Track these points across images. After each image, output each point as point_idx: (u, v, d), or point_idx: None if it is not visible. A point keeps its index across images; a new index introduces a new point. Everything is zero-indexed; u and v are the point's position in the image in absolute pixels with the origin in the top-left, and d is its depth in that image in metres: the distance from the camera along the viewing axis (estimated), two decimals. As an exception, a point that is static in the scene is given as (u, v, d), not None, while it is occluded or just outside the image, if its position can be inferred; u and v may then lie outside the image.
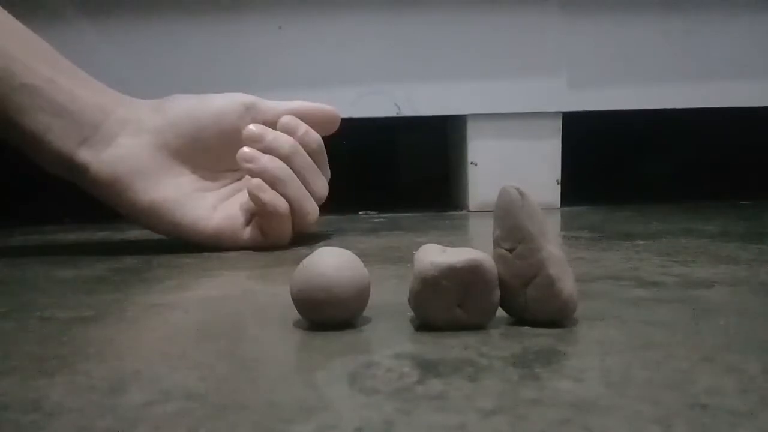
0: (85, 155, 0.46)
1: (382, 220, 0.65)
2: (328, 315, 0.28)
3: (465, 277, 0.27)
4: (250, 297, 0.35)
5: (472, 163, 0.69)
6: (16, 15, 0.46)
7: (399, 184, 0.88)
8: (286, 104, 0.50)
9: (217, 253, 0.47)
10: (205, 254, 0.47)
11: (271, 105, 0.50)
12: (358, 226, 0.61)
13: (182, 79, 0.65)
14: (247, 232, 0.49)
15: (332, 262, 0.28)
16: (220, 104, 0.48)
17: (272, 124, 0.49)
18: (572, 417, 0.19)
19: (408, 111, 0.68)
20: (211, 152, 0.49)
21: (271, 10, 0.66)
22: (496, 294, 0.28)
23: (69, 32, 0.64)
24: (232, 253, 0.47)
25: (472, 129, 0.69)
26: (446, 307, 0.28)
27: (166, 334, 0.29)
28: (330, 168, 0.52)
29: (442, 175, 0.81)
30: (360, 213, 0.70)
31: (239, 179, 0.51)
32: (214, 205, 0.49)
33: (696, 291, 0.34)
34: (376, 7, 0.67)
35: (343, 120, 0.53)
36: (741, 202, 0.71)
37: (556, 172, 0.70)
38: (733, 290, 0.34)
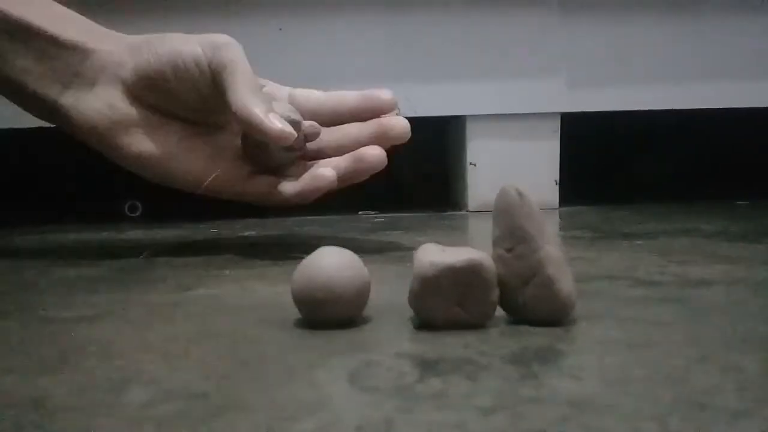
0: (67, 101, 0.44)
1: (382, 220, 0.65)
2: (328, 314, 0.28)
3: (464, 277, 0.27)
4: (251, 296, 0.35)
5: (471, 163, 0.69)
6: None
7: (399, 184, 0.88)
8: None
9: (218, 253, 0.47)
10: (206, 254, 0.47)
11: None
12: (358, 226, 0.61)
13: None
14: (252, 185, 0.46)
15: (332, 262, 0.28)
16: (179, 51, 0.44)
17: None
18: (571, 415, 0.20)
19: (408, 111, 0.68)
20: (187, 104, 0.45)
21: (271, 11, 0.66)
22: (496, 293, 0.28)
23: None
24: (233, 253, 0.47)
25: (471, 129, 0.69)
26: (446, 306, 0.28)
27: (167, 333, 0.29)
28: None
29: (442, 175, 0.81)
30: (360, 213, 0.70)
31: (236, 132, 0.47)
32: (211, 156, 0.46)
33: (694, 290, 0.34)
34: (376, 7, 0.67)
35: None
36: (739, 202, 0.71)
37: (555, 173, 0.70)
38: (731, 289, 0.34)
